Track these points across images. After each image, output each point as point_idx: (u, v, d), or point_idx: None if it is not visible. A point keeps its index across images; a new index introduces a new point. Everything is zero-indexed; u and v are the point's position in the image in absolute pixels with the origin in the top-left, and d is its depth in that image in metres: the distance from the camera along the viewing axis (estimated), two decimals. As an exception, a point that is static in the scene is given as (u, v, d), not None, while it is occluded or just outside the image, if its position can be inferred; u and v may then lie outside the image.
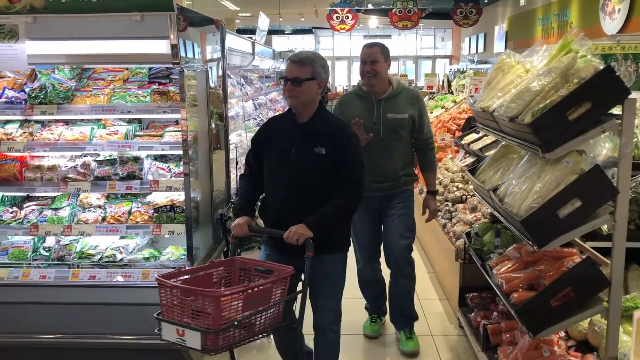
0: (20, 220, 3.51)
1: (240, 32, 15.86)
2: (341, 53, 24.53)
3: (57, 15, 3.04)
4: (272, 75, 8.66)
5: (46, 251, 3.50)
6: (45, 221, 3.45)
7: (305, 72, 2.65)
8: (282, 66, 9.46)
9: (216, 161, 4.00)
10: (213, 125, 3.98)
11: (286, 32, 24.09)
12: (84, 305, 3.28)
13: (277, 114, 3.35)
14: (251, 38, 6.28)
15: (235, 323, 2.16)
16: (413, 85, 16.48)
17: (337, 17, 14.21)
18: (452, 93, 10.88)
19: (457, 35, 21.55)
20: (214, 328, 2.11)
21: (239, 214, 2.79)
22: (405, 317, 3.80)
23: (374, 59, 3.43)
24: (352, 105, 3.60)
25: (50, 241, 3.57)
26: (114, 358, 3.32)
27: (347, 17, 14.23)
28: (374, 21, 19.36)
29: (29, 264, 3.40)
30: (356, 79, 27.38)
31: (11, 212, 3.56)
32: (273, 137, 2.80)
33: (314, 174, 2.68)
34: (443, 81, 11.90)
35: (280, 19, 17.76)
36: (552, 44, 2.62)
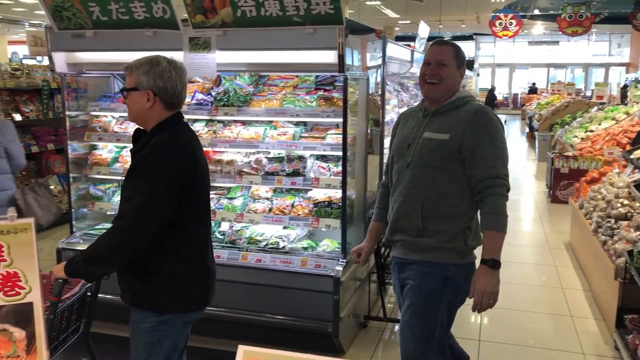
0: (201, 207, 4.04)
1: (399, 39, 16.08)
2: (502, 60, 23.69)
3: (243, 29, 3.47)
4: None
5: (221, 235, 4.00)
6: (222, 208, 3.94)
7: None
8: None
9: (370, 164, 4.24)
10: (369, 130, 4.22)
11: (445, 39, 23.86)
12: (249, 285, 3.70)
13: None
14: (409, 45, 6.45)
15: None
16: (581, 95, 15.44)
17: (499, 24, 13.84)
18: (625, 104, 10.07)
19: (638, 41, 19.70)
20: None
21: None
22: None
23: (442, 61, 2.52)
24: (409, 122, 2.69)
25: (225, 226, 4.06)
26: (269, 335, 3.69)
27: (511, 24, 13.80)
28: (539, 27, 18.46)
29: (207, 244, 3.92)
30: (518, 86, 26.24)
31: (194, 199, 4.13)
32: None
33: None
34: (617, 91, 11.03)
35: (440, 26, 17.68)
36: None
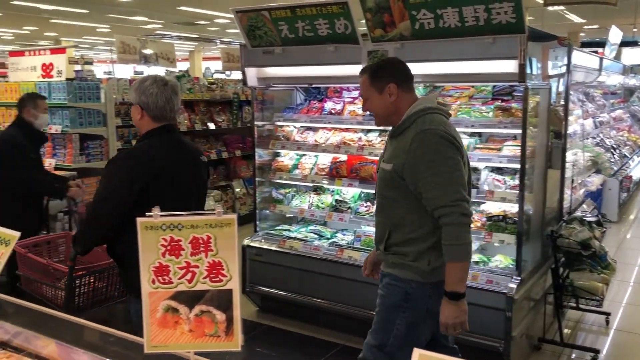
0: (372, 214, 4.16)
1: (584, 45, 14.91)
2: None
3: (420, 41, 3.52)
4: (618, 92, 8.00)
5: (390, 243, 4.07)
6: (392, 217, 4.02)
7: None
8: (632, 81, 8.62)
9: (549, 178, 4.01)
10: (549, 143, 4.00)
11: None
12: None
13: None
14: (596, 52, 5.98)
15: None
16: None
17: None
18: None
19: None
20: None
21: None
22: None
23: (363, 95, 2.54)
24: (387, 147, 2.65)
25: (395, 235, 4.13)
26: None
27: None
28: None
29: (377, 251, 4.02)
30: None
31: (365, 206, 4.26)
32: None
33: None
34: None
35: (635, 29, 16.02)
36: None
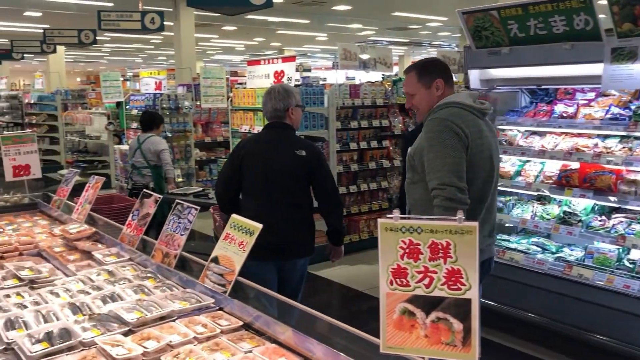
0: (608, 229, 3.73)
1: None
2: None
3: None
4: None
5: (630, 263, 3.61)
6: (633, 234, 3.55)
7: None
8: None
9: None
10: None
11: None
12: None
13: None
14: None
15: None
16: None
17: None
18: None
19: None
20: None
21: None
22: None
23: (409, 92, 2.73)
24: None
25: (636, 254, 3.65)
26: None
27: None
28: None
29: (612, 271, 3.59)
30: None
31: (599, 220, 3.83)
32: None
33: None
34: None
35: None
36: None
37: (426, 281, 1.60)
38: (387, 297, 1.60)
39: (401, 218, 1.59)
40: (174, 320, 2.05)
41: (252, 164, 3.20)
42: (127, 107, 9.50)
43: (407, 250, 1.60)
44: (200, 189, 6.41)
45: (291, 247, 3.18)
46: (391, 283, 1.60)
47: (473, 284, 1.58)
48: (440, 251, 1.59)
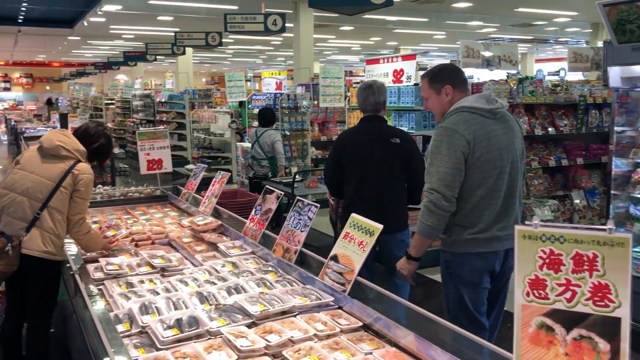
0: None
1: None
2: None
3: None
4: None
5: None
6: None
7: None
8: None
9: None
10: None
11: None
12: None
13: None
14: None
15: None
16: None
17: None
18: None
19: None
20: None
21: None
22: None
23: (424, 96, 2.93)
24: None
25: None
26: None
27: None
28: None
29: None
30: None
31: None
32: None
33: None
34: None
35: None
36: None
37: (568, 295, 1.48)
38: (522, 309, 1.50)
39: (541, 226, 1.48)
40: (294, 316, 2.07)
41: (354, 154, 3.53)
42: (249, 106, 9.88)
43: (547, 261, 1.49)
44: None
45: (389, 222, 3.42)
46: (528, 295, 1.49)
47: (624, 301, 1.43)
48: (586, 263, 1.46)
